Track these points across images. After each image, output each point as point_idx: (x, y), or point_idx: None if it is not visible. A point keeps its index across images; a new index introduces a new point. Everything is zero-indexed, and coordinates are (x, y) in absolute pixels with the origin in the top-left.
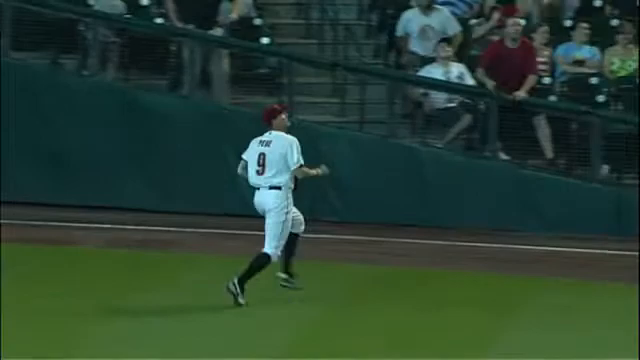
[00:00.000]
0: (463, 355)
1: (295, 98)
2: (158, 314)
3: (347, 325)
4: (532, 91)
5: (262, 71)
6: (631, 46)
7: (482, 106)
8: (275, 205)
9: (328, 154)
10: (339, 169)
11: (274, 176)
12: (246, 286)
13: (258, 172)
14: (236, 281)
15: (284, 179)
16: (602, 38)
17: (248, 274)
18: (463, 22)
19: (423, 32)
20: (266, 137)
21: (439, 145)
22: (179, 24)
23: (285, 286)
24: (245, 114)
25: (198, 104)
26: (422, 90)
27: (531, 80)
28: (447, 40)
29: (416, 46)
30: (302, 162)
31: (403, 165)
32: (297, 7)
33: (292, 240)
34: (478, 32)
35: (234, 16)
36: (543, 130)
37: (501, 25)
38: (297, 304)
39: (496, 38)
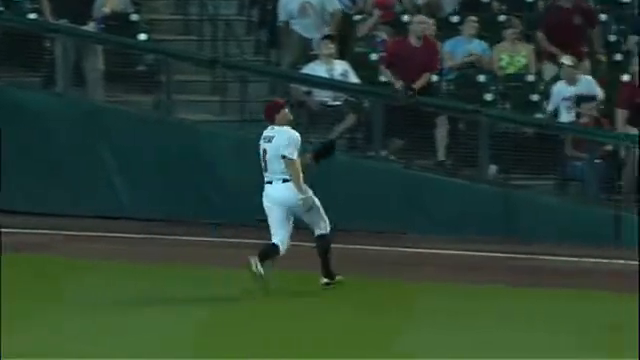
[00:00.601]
0: (358, 355)
1: (174, 96)
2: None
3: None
4: (422, 89)
5: (139, 68)
6: (519, 42)
7: (367, 104)
8: (291, 195)
9: (208, 154)
10: (220, 170)
11: (283, 172)
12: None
13: (264, 168)
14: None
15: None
16: (490, 34)
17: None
18: (347, 18)
19: (303, 10)
20: (269, 132)
21: None
22: (52, 19)
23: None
24: (121, 112)
25: (72, 102)
26: (305, 88)
27: (426, 77)
28: (330, 37)
29: (297, 25)
30: (294, 158)
31: None
32: (175, 2)
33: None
34: (362, 29)
35: (107, 10)
36: (442, 131)
37: (385, 21)
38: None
39: (384, 35)
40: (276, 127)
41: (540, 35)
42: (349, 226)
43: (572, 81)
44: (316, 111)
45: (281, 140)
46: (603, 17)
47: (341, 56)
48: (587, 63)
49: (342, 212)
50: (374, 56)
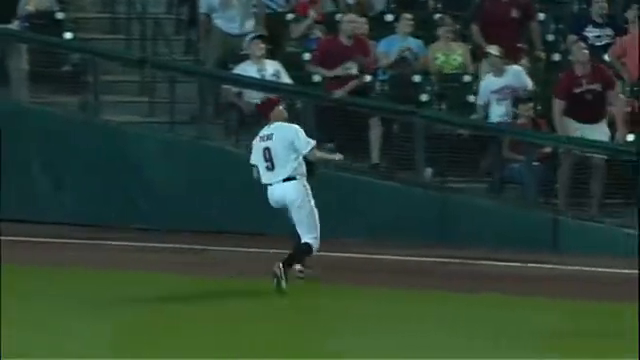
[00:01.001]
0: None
1: (101, 97)
2: None
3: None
4: (356, 90)
5: (65, 68)
6: (453, 41)
7: (299, 106)
8: (296, 196)
9: (136, 157)
10: (148, 173)
11: (284, 167)
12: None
13: (268, 168)
14: (281, 265)
15: (294, 166)
16: (426, 32)
17: (290, 260)
18: (280, 17)
19: (226, 2)
20: (265, 131)
21: None
22: None
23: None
24: (47, 114)
25: None
26: (236, 89)
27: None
28: (261, 37)
29: (219, 19)
30: (314, 143)
31: (217, 168)
32: (102, 0)
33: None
34: (297, 30)
35: (31, 8)
36: (376, 132)
37: (319, 21)
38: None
39: (318, 33)
40: (272, 124)
41: (475, 29)
42: (282, 231)
43: (500, 72)
44: (247, 113)
45: (285, 134)
46: (541, 16)
47: (272, 56)
48: (525, 61)
49: (275, 217)
50: (307, 56)
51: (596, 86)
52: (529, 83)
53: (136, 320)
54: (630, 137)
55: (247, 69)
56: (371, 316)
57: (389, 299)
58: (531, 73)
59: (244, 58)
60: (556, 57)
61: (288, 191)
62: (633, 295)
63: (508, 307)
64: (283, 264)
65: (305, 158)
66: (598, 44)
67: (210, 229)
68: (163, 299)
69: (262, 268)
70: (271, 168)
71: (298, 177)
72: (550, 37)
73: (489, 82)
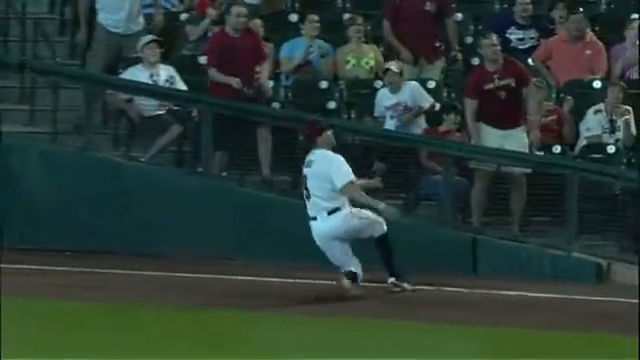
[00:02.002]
0: None
1: None
2: None
3: None
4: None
5: None
6: (365, 43)
7: (195, 114)
8: (340, 224)
9: (16, 170)
10: (29, 187)
11: (327, 200)
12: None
13: (306, 197)
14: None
15: (340, 202)
16: (334, 35)
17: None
18: (174, 17)
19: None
20: (310, 157)
21: (144, 159)
22: None
23: (396, 291)
24: None
25: None
26: (125, 95)
27: (265, 69)
28: (157, 41)
29: (105, 17)
30: (351, 178)
31: (104, 182)
32: None
33: (381, 245)
34: (194, 32)
35: None
36: (265, 143)
37: (217, 21)
38: None
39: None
40: (317, 151)
41: (386, 25)
42: (174, 251)
43: (395, 89)
44: (137, 121)
45: (324, 164)
46: (459, 16)
47: (165, 59)
48: (441, 61)
49: (168, 235)
50: (203, 59)
51: (509, 81)
52: (426, 101)
53: None
54: (557, 148)
55: (138, 74)
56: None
57: (281, 325)
58: (446, 74)
59: (134, 62)
60: (475, 61)
61: (332, 224)
62: (560, 322)
63: (421, 334)
64: (394, 274)
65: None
66: (521, 47)
67: (95, 249)
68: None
69: (144, 294)
70: (307, 196)
71: (342, 207)
72: (469, 39)
73: (383, 97)
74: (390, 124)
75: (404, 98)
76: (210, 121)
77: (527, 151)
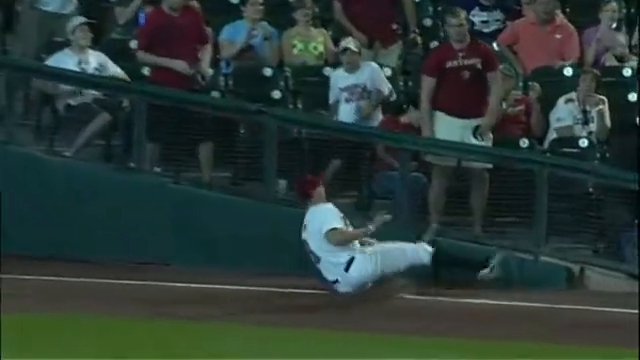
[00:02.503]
0: None
1: None
2: None
3: None
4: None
5: None
6: (313, 26)
7: (126, 104)
8: (366, 273)
9: None
10: None
11: (334, 254)
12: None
13: (315, 261)
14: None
15: (350, 250)
16: (279, 17)
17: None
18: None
19: None
20: (305, 218)
21: (69, 153)
22: None
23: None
24: None
25: None
26: (51, 83)
27: (206, 53)
28: (89, 23)
29: None
30: (331, 226)
31: (25, 179)
32: None
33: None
34: (125, 13)
35: None
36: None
37: (149, 1)
38: None
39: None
40: (310, 208)
41: (337, 6)
42: (103, 257)
43: (353, 68)
44: (64, 111)
45: (315, 223)
46: None
47: (94, 44)
48: (398, 46)
49: (94, 238)
50: (134, 44)
51: (475, 61)
52: (386, 85)
53: None
54: (524, 142)
55: (65, 60)
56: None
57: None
58: (405, 59)
59: (61, 46)
60: (435, 44)
61: (359, 279)
62: (531, 333)
63: (369, 345)
64: None
65: None
66: (486, 30)
67: (15, 252)
68: None
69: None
70: (317, 261)
71: (355, 253)
72: (428, 21)
73: (339, 78)
74: (345, 110)
75: (363, 80)
76: (143, 111)
77: (491, 144)
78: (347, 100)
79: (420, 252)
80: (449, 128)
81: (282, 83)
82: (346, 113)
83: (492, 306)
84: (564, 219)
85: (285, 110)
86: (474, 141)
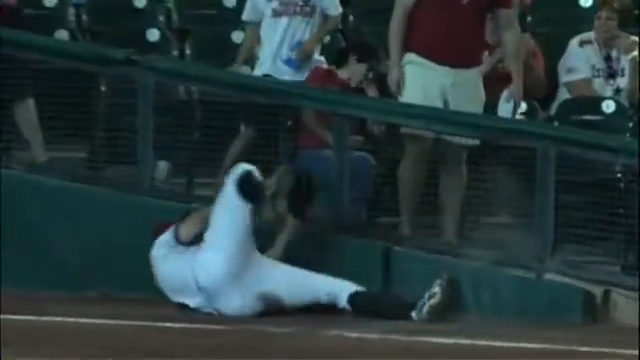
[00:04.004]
0: None
1: None
2: None
3: None
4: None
5: None
6: None
7: None
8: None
9: None
10: None
11: None
12: None
13: None
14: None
15: None
16: None
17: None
18: None
19: None
20: None
21: None
22: None
23: None
24: None
25: None
26: None
27: None
28: None
29: None
30: None
31: None
32: None
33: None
34: None
35: None
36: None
37: None
38: None
39: None
40: None
41: None
42: None
43: None
44: None
45: None
46: None
47: None
48: None
49: None
50: None
51: None
52: (335, 7)
53: None
54: (522, 106)
55: None
56: None
57: None
58: None
59: None
60: None
61: None
62: None
63: None
64: None
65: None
66: None
67: None
68: None
69: None
70: None
71: None
72: None
73: None
74: (271, 26)
75: None
76: None
77: (481, 110)
78: (276, 13)
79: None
80: (428, 78)
81: (162, 18)
82: (271, 30)
83: (475, 347)
84: (579, 219)
85: (167, 59)
86: (506, 111)
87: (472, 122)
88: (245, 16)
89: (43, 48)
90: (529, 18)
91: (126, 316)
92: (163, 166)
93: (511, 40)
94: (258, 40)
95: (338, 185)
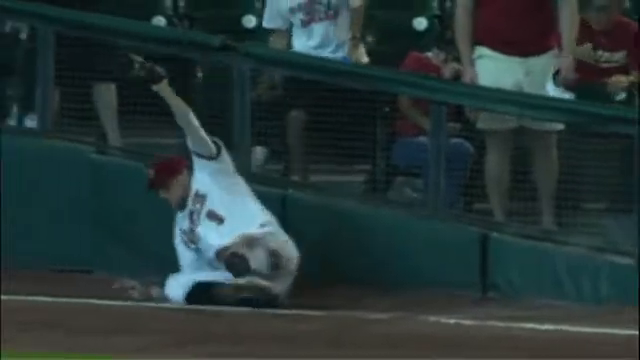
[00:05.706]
0: None
1: None
2: None
3: None
4: None
5: None
6: None
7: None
8: None
9: None
10: None
11: None
12: None
13: None
14: None
15: None
16: None
17: None
18: None
19: None
20: None
21: None
22: None
23: None
24: None
25: None
26: None
27: None
28: None
29: None
30: None
31: None
32: None
33: None
34: None
35: None
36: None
37: None
38: None
39: None
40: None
41: None
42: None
43: None
44: None
45: None
46: None
47: None
48: None
49: None
50: None
51: None
52: None
53: None
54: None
55: None
56: None
57: None
58: None
59: None
60: None
61: None
62: None
63: None
64: None
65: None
66: None
67: None
68: None
69: None
70: None
71: None
72: None
73: None
74: (301, 41)
75: None
76: (51, 45)
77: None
78: (304, 23)
79: None
80: (500, 70)
81: (258, 5)
82: (305, 37)
83: (574, 334)
84: None
85: (263, 45)
86: (555, 91)
87: (569, 108)
88: (269, 24)
89: (140, 34)
90: None
91: None
92: (260, 153)
93: (566, 15)
94: (288, 46)
95: (434, 173)
